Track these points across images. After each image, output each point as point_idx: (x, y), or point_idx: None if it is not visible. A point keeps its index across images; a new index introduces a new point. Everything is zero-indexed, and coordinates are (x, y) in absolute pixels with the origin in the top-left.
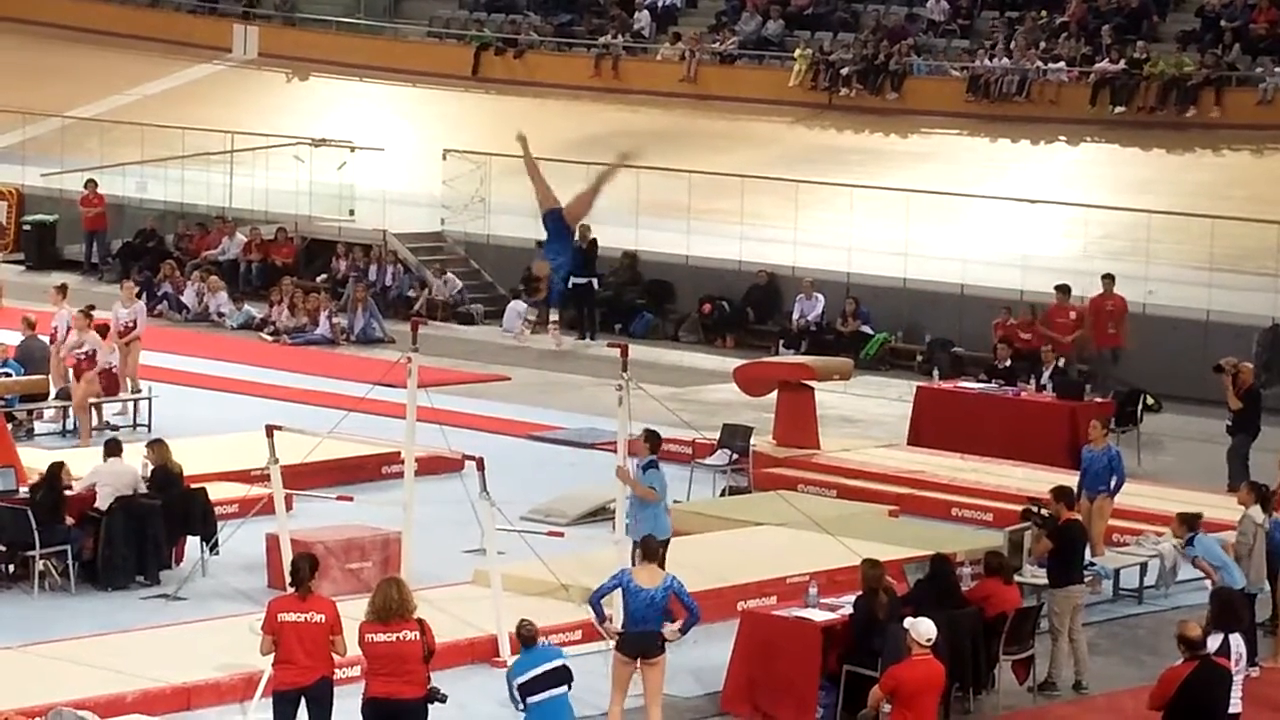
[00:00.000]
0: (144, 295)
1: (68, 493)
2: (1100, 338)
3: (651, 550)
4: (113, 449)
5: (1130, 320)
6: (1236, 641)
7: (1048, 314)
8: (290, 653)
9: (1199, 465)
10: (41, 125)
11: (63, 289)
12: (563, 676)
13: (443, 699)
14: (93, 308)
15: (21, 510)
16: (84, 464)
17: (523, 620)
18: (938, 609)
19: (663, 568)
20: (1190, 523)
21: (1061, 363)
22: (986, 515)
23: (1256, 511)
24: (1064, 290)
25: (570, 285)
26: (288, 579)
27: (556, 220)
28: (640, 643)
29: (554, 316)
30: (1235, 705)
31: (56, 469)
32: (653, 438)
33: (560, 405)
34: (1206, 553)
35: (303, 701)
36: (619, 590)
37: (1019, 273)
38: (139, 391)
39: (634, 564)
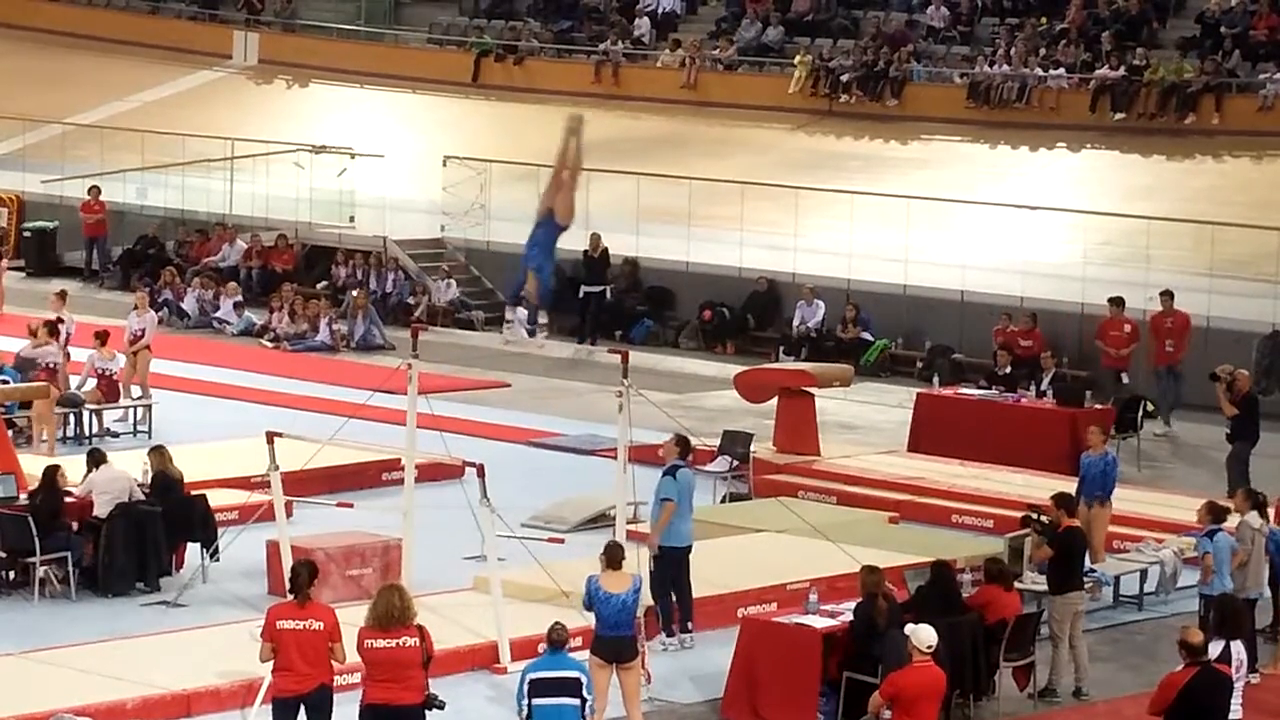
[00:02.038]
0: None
1: (67, 499)
2: (1159, 355)
3: (615, 557)
4: (99, 458)
5: (1138, 328)
6: (1238, 648)
7: (1101, 327)
8: (289, 660)
9: (1199, 471)
10: (42, 132)
11: (62, 295)
12: (575, 689)
13: (440, 705)
14: (59, 320)
15: (22, 517)
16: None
17: (557, 623)
18: (938, 615)
19: (685, 576)
20: (1218, 515)
21: (1125, 378)
22: (987, 522)
23: (1254, 517)
24: (1117, 302)
25: (581, 294)
26: (288, 586)
27: (549, 226)
28: (615, 647)
29: (543, 319)
30: (1236, 712)
31: (53, 472)
32: (683, 443)
33: (560, 411)
34: (1218, 551)
35: (302, 709)
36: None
37: (1019, 279)
38: (148, 398)
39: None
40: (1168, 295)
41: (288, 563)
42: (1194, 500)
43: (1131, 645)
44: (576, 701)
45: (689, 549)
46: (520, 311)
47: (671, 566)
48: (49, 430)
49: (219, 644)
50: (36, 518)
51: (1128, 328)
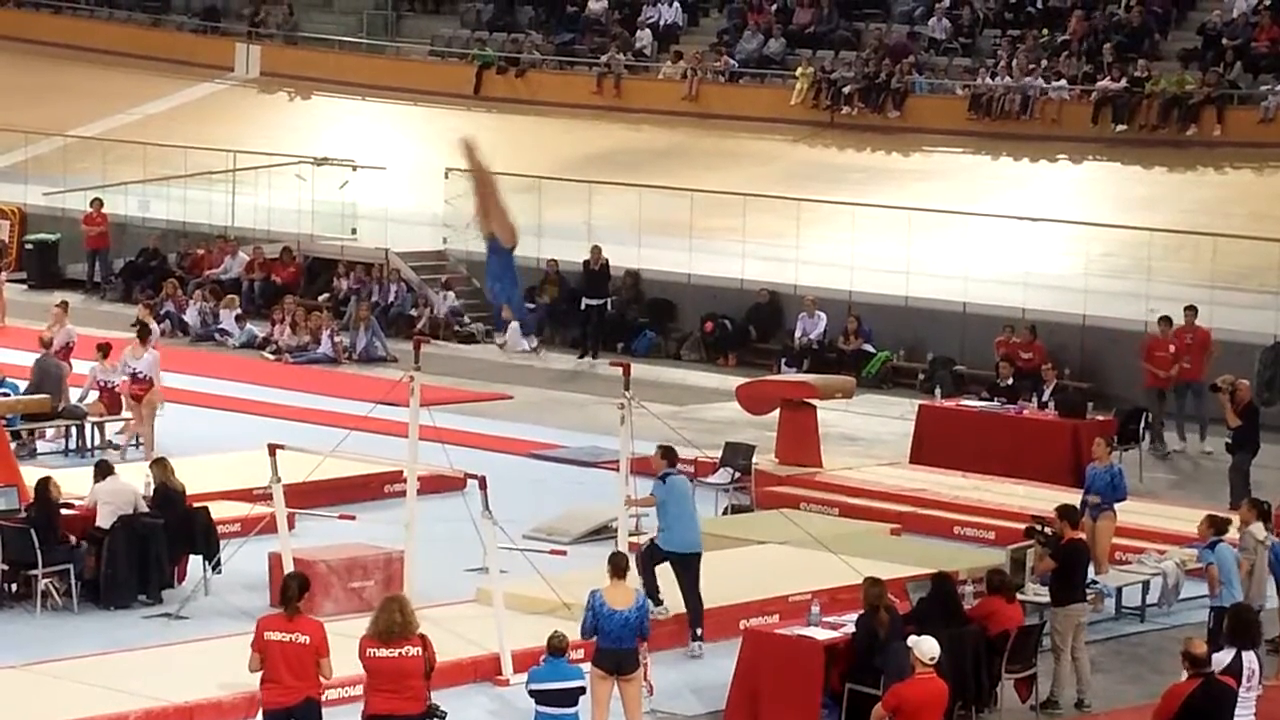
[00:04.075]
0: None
1: (66, 511)
2: (1178, 371)
3: (620, 567)
4: (105, 469)
5: (1136, 340)
6: (1249, 658)
7: (1147, 347)
8: (276, 672)
9: (1201, 483)
10: (44, 144)
11: (64, 306)
12: (579, 696)
13: (441, 716)
14: (148, 329)
15: (24, 529)
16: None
17: (556, 632)
18: (940, 627)
19: (694, 582)
20: (1219, 527)
21: (1169, 398)
22: (989, 533)
23: (1258, 528)
24: (1166, 321)
25: (583, 306)
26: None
27: (497, 253)
28: (615, 659)
29: (531, 343)
30: None
31: (44, 485)
32: (667, 452)
33: (562, 424)
34: (1222, 562)
35: None
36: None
37: (1021, 291)
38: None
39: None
40: (1191, 310)
41: None
42: (1195, 512)
43: (1134, 657)
44: (576, 710)
45: (695, 555)
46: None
47: (668, 565)
48: (145, 434)
49: (221, 656)
50: (35, 528)
51: (1172, 348)
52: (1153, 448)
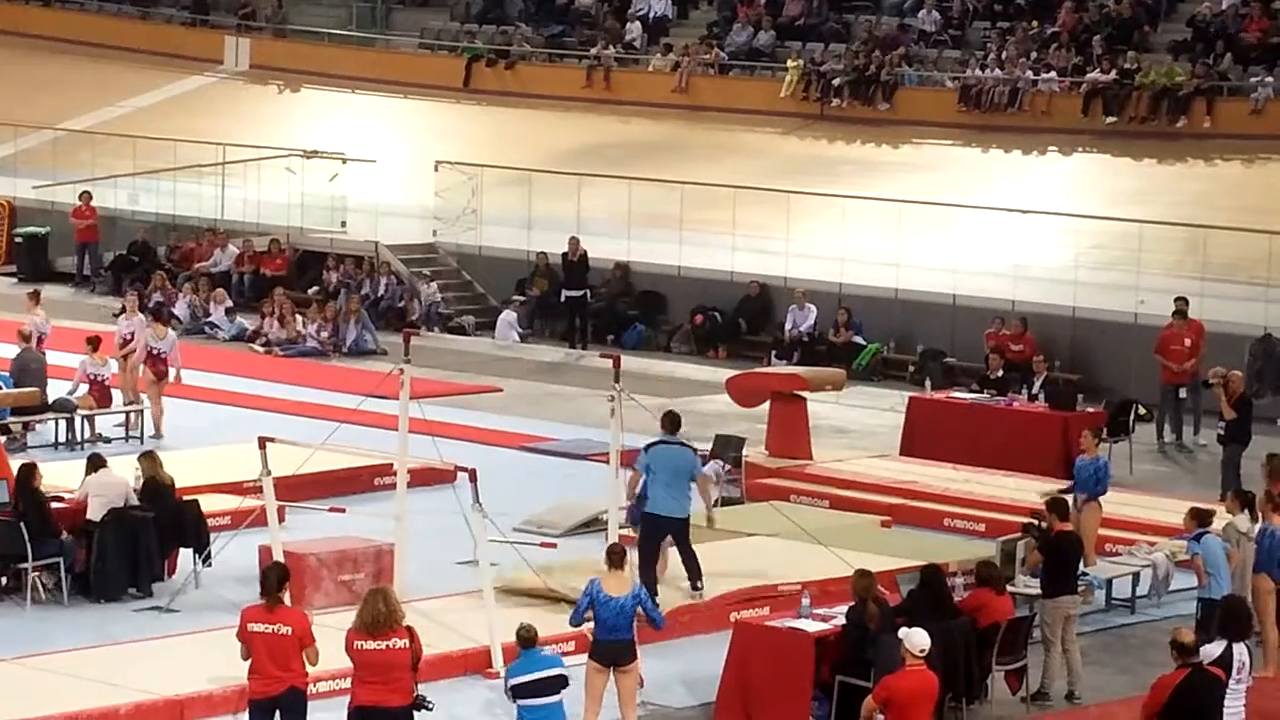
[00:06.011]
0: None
1: (58, 505)
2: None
3: (618, 557)
4: (97, 462)
5: (1126, 332)
6: (1240, 650)
7: (1161, 340)
8: (260, 663)
9: (1192, 475)
10: (33, 137)
11: (35, 295)
12: (559, 685)
13: (429, 707)
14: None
15: (13, 523)
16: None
17: (522, 624)
18: (930, 619)
19: (687, 545)
20: (1203, 519)
21: (1183, 394)
22: (979, 526)
23: (1242, 519)
24: (1180, 315)
25: (564, 298)
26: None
27: None
28: (613, 651)
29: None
30: (1239, 714)
31: (27, 472)
32: (667, 418)
33: (553, 416)
34: (1208, 553)
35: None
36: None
37: (1011, 283)
38: (139, 404)
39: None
40: (1183, 301)
41: None
42: (1185, 504)
43: (1124, 649)
44: (560, 699)
45: (672, 520)
46: (510, 314)
47: (655, 535)
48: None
49: (211, 649)
50: (25, 521)
51: (1188, 342)
52: (1164, 443)
